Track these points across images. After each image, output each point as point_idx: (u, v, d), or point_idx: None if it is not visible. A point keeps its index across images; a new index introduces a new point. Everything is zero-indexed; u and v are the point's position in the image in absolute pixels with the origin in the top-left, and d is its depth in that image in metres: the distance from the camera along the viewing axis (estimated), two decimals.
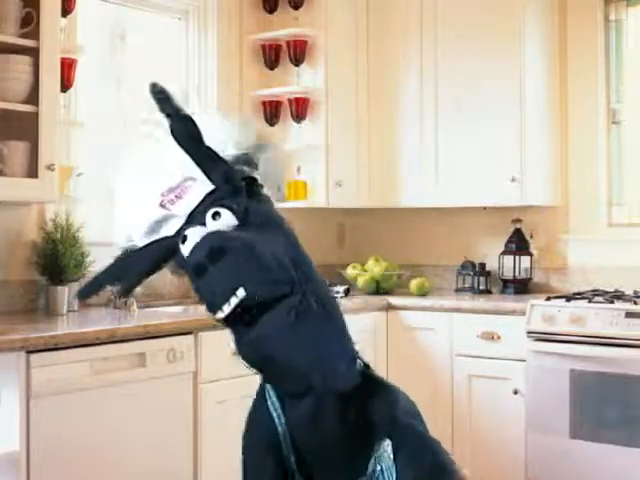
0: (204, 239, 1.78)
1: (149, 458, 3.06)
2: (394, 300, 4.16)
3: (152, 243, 1.90)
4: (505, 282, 4.36)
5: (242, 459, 2.01)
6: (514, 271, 4.32)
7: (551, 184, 4.30)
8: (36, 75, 3.19)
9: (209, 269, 1.74)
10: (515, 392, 3.71)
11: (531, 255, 4.35)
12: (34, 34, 3.19)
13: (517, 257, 4.32)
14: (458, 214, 4.56)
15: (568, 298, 3.75)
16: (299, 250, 1.86)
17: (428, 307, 4.06)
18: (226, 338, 3.36)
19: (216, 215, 1.82)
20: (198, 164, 1.88)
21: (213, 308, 1.78)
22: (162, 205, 1.91)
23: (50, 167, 3.19)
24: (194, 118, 1.90)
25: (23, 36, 3.19)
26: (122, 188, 2.05)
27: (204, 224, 1.82)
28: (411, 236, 4.75)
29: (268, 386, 1.94)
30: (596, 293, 3.85)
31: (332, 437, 1.84)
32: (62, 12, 3.33)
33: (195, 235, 1.80)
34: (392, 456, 1.81)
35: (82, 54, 3.58)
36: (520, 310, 3.73)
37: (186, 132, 1.90)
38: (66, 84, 3.43)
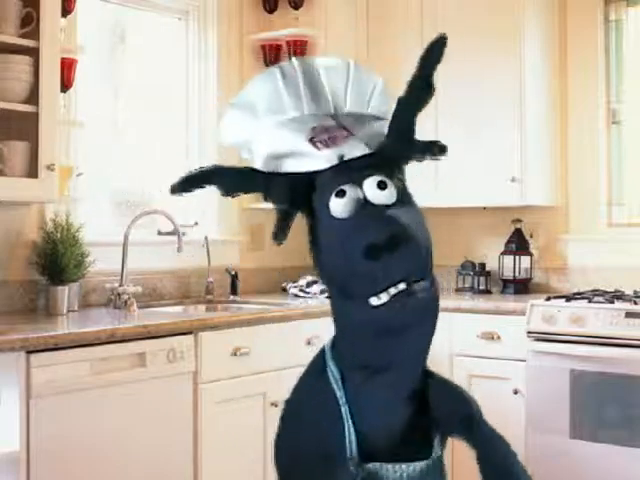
0: (385, 220, 1.73)
1: (149, 458, 3.06)
2: None
3: (287, 174, 1.85)
4: (505, 282, 4.36)
5: (287, 432, 1.93)
6: (514, 271, 4.32)
7: (551, 184, 4.30)
8: (36, 75, 3.19)
9: (383, 255, 1.69)
10: (515, 392, 3.71)
11: (531, 255, 4.35)
12: (34, 34, 3.19)
13: (517, 257, 4.32)
14: (458, 214, 4.56)
15: (568, 298, 3.75)
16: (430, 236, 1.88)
17: None
18: (226, 338, 3.38)
19: (382, 184, 1.78)
20: (399, 125, 1.84)
21: (367, 292, 1.74)
22: (312, 140, 1.84)
23: (50, 167, 3.19)
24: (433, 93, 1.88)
25: (23, 36, 3.19)
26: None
27: (360, 185, 1.78)
28: None
29: (330, 360, 1.89)
30: (596, 293, 3.85)
31: (399, 418, 1.83)
32: (62, 12, 3.33)
33: (354, 195, 1.76)
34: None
35: (82, 54, 3.58)
36: (520, 310, 3.73)
37: (422, 94, 1.87)
38: (66, 84, 3.43)
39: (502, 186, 4.11)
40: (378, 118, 1.90)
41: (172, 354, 3.13)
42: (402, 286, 1.73)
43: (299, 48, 4.34)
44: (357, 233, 1.73)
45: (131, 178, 4.14)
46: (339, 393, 1.85)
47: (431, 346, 1.94)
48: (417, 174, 4.79)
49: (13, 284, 3.45)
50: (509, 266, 4.33)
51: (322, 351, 1.93)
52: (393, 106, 1.88)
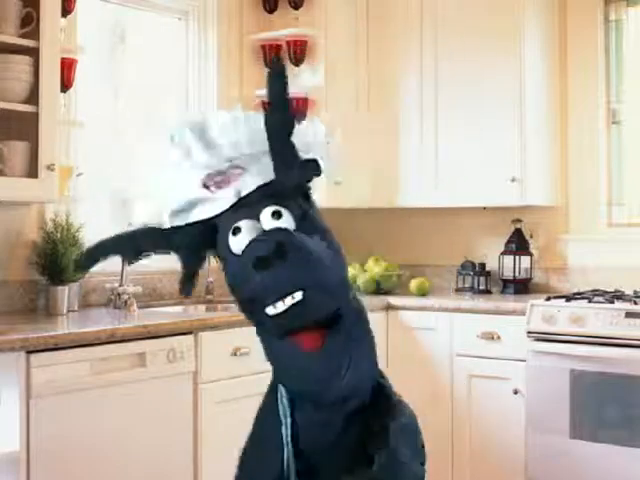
0: (268, 235, 1.75)
1: (149, 458, 3.06)
2: (394, 300, 4.16)
3: (188, 225, 1.89)
4: (505, 282, 4.36)
5: (245, 449, 2.02)
6: (514, 271, 4.31)
7: (551, 184, 4.30)
8: (36, 75, 3.19)
9: (273, 264, 1.71)
10: (515, 392, 3.71)
11: (531, 255, 4.35)
12: (34, 34, 3.19)
13: (517, 257, 4.31)
14: (458, 214, 4.56)
15: (568, 298, 3.75)
16: (343, 261, 1.88)
17: (428, 307, 4.06)
18: (226, 338, 3.38)
19: (276, 214, 1.79)
20: (276, 156, 1.83)
21: (263, 302, 1.75)
22: (206, 186, 1.87)
23: (50, 167, 3.19)
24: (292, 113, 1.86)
25: (23, 36, 3.19)
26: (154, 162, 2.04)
27: (257, 219, 1.80)
28: (411, 236, 4.75)
29: (281, 388, 1.93)
30: (596, 293, 3.85)
31: (345, 439, 1.84)
32: (62, 12, 3.33)
33: (250, 229, 1.79)
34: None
35: (82, 54, 3.58)
36: (520, 310, 3.73)
37: (282, 121, 1.84)
38: (66, 84, 3.43)
39: (502, 186, 4.11)
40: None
41: (172, 354, 3.13)
42: (298, 295, 1.72)
43: (299, 48, 4.34)
44: (249, 255, 1.76)
45: (131, 178, 4.13)
46: (284, 423, 1.89)
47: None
48: (417, 174, 4.82)
49: (13, 284, 3.45)
50: (509, 266, 4.33)
51: (274, 384, 1.97)
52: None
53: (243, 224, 1.80)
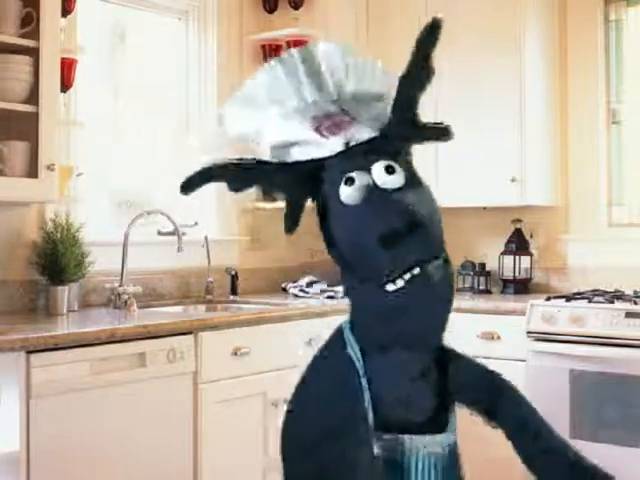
0: (396, 207, 1.75)
1: (149, 458, 3.06)
2: None
3: (293, 163, 1.86)
4: (505, 282, 4.36)
5: (301, 408, 1.93)
6: (514, 271, 4.32)
7: (551, 184, 4.30)
8: (36, 75, 3.19)
9: (397, 243, 1.72)
10: None
11: (531, 255, 4.35)
12: (34, 34, 3.19)
13: (517, 257, 4.32)
14: (458, 214, 4.56)
15: (568, 298, 3.75)
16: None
17: None
18: (226, 338, 3.38)
19: (390, 169, 1.79)
20: (403, 107, 1.85)
21: (382, 275, 1.76)
22: (317, 129, 1.84)
23: (50, 167, 3.19)
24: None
25: (23, 36, 3.19)
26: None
27: (368, 170, 1.79)
28: None
29: (350, 336, 1.89)
30: (596, 293, 3.85)
31: (416, 391, 1.86)
32: (62, 12, 3.33)
33: (363, 181, 1.78)
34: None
35: (82, 54, 3.58)
36: (520, 310, 3.73)
37: (422, 77, 1.92)
38: (66, 84, 3.43)
39: (502, 186, 4.11)
40: (380, 99, 1.90)
41: (172, 354, 3.13)
42: (417, 271, 1.76)
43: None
44: (370, 221, 1.75)
45: (131, 178, 4.14)
46: (359, 367, 1.86)
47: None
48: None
49: (13, 284, 3.45)
50: (509, 266, 4.33)
51: (339, 330, 1.93)
52: (393, 85, 1.88)
53: (356, 175, 1.78)
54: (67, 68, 3.41)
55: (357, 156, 1.82)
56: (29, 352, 2.70)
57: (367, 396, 1.84)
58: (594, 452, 3.47)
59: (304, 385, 1.94)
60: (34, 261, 3.47)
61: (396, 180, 1.80)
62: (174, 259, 3.94)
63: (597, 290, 3.95)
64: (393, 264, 1.75)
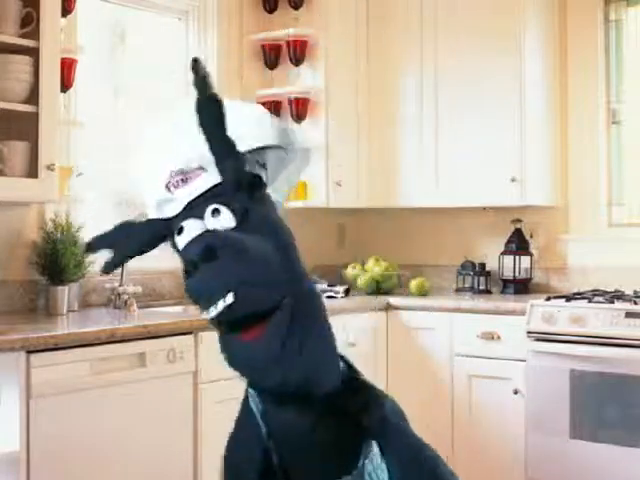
0: (200, 237, 1.74)
1: (149, 458, 3.06)
2: (394, 300, 4.16)
3: (150, 221, 1.89)
4: (505, 282, 4.36)
5: (225, 462, 1.99)
6: (514, 271, 4.32)
7: (551, 184, 4.30)
8: (36, 75, 3.19)
9: (201, 268, 1.70)
10: (515, 392, 3.71)
11: (531, 255, 4.35)
12: (34, 34, 3.19)
13: (517, 257, 4.32)
14: (458, 214, 4.56)
15: (568, 298, 3.75)
16: (290, 255, 1.81)
17: (428, 307, 4.06)
18: None
19: (215, 212, 1.77)
20: (212, 151, 1.80)
21: (201, 307, 1.75)
22: (167, 186, 1.85)
23: (50, 167, 3.19)
24: (223, 103, 1.80)
25: (23, 36, 3.19)
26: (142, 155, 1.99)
27: (202, 218, 1.78)
28: (411, 236, 4.75)
29: (250, 390, 1.91)
30: (596, 293, 3.85)
31: (315, 439, 1.81)
32: (62, 12, 3.33)
33: (192, 229, 1.77)
34: (380, 456, 1.80)
35: (82, 54, 3.58)
36: (520, 310, 3.73)
37: (212, 114, 1.80)
38: (66, 84, 3.43)
39: (502, 186, 4.11)
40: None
41: (172, 354, 3.13)
42: (230, 298, 1.68)
43: (299, 48, 4.34)
44: (182, 258, 1.77)
45: (131, 178, 4.13)
46: (261, 423, 1.88)
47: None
48: (417, 174, 4.82)
49: (13, 284, 3.45)
50: (509, 266, 4.33)
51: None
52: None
53: (187, 223, 1.79)
54: (67, 68, 3.41)
55: (197, 206, 1.80)
56: (29, 352, 2.70)
57: (274, 455, 1.85)
58: (594, 452, 3.49)
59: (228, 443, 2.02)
60: (34, 261, 3.47)
61: (222, 222, 1.76)
62: (174, 259, 3.92)
63: (597, 290, 3.95)
64: (198, 291, 1.72)
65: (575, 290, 4.08)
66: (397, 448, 1.81)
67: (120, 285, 3.67)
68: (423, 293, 4.29)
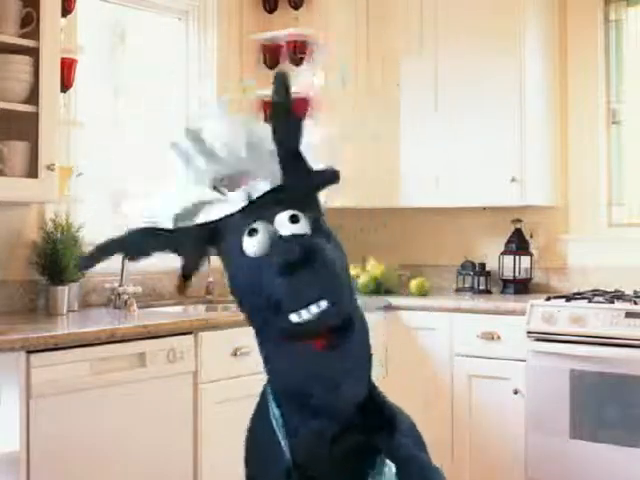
0: (297, 241, 1.73)
1: (149, 458, 3.06)
2: (394, 300, 4.16)
3: (195, 226, 1.87)
4: (505, 282, 4.36)
5: (247, 461, 1.97)
6: (514, 271, 4.32)
7: (551, 184, 4.30)
8: (36, 75, 3.19)
9: (301, 270, 1.69)
10: (515, 392, 3.71)
11: (531, 255, 4.35)
12: (34, 34, 3.19)
13: (517, 257, 4.31)
14: (458, 214, 4.56)
15: (568, 298, 3.75)
16: (349, 270, 1.87)
17: (428, 307, 4.06)
18: (226, 338, 3.38)
19: (294, 218, 1.78)
20: (287, 163, 1.83)
21: (286, 308, 1.71)
22: (215, 188, 1.85)
23: (50, 167, 3.19)
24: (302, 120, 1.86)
25: (23, 36, 3.19)
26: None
27: (271, 222, 1.78)
28: (411, 236, 4.75)
29: (270, 397, 1.90)
30: (596, 293, 3.85)
31: (334, 453, 1.83)
32: (62, 12, 3.33)
33: (267, 232, 1.76)
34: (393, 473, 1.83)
35: (82, 54, 3.58)
36: (520, 310, 3.73)
37: (293, 129, 1.85)
38: (66, 84, 3.43)
39: (502, 186, 4.11)
40: (273, 155, 1.90)
41: (172, 354, 3.13)
42: (324, 304, 1.70)
43: (299, 48, 4.34)
44: (272, 259, 1.73)
45: (131, 178, 4.13)
46: (280, 434, 1.85)
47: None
48: (417, 174, 4.81)
49: (13, 284, 3.45)
50: (509, 266, 4.33)
51: (264, 392, 1.93)
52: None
53: (260, 226, 1.77)
54: (67, 68, 3.41)
55: (259, 209, 1.81)
56: (29, 352, 2.70)
57: (289, 464, 1.84)
58: (594, 452, 3.49)
59: (245, 447, 1.98)
60: (34, 261, 3.47)
61: (301, 228, 1.78)
62: (174, 259, 3.93)
63: (597, 290, 3.95)
64: (295, 292, 1.70)
65: (575, 290, 4.08)
66: (407, 474, 1.82)
67: (120, 285, 3.67)
68: (423, 293, 4.29)
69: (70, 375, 2.81)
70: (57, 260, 3.42)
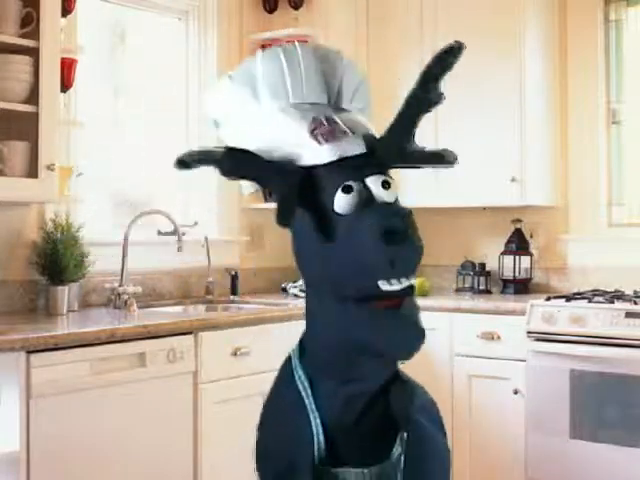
0: (400, 211, 1.68)
1: (149, 458, 3.06)
2: None
3: (289, 166, 1.77)
4: (505, 282, 4.36)
5: (272, 460, 1.90)
6: (514, 271, 4.32)
7: (551, 184, 4.30)
8: (36, 75, 3.19)
9: (402, 241, 1.64)
10: (515, 392, 3.71)
11: (531, 255, 4.35)
12: (34, 34, 3.19)
13: (517, 257, 4.32)
14: (458, 214, 4.56)
15: (568, 298, 3.75)
16: None
17: (428, 307, 4.04)
18: (226, 338, 3.38)
19: (386, 184, 1.74)
20: (398, 132, 1.82)
21: (378, 275, 1.66)
22: (313, 133, 1.78)
23: (50, 167, 3.19)
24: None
25: (23, 36, 3.19)
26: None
27: (363, 183, 1.73)
28: None
29: (297, 364, 1.86)
30: (596, 293, 3.85)
31: (363, 422, 1.81)
32: (62, 12, 3.33)
33: (361, 192, 1.71)
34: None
35: (82, 54, 3.58)
36: (520, 310, 3.73)
37: (428, 101, 1.90)
38: (66, 84, 3.43)
39: (502, 186, 4.11)
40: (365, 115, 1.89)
41: (172, 354, 3.13)
42: (413, 279, 1.68)
43: None
44: (370, 220, 1.66)
45: (131, 178, 4.14)
46: (307, 401, 1.83)
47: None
48: (417, 174, 4.79)
49: (13, 284, 3.45)
50: (509, 266, 4.33)
51: (289, 358, 1.90)
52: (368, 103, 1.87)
53: (354, 184, 1.72)
54: (67, 68, 3.41)
55: (351, 168, 1.75)
56: (29, 352, 2.70)
57: (317, 432, 1.81)
58: (594, 452, 3.49)
59: (262, 417, 1.95)
60: (34, 261, 3.47)
61: (391, 196, 1.74)
62: (174, 259, 3.94)
63: (597, 290, 3.95)
64: (396, 261, 1.64)
65: (575, 290, 4.08)
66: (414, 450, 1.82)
67: (120, 285, 3.67)
68: (423, 293, 4.29)
69: (70, 375, 2.81)
70: (57, 260, 3.42)
